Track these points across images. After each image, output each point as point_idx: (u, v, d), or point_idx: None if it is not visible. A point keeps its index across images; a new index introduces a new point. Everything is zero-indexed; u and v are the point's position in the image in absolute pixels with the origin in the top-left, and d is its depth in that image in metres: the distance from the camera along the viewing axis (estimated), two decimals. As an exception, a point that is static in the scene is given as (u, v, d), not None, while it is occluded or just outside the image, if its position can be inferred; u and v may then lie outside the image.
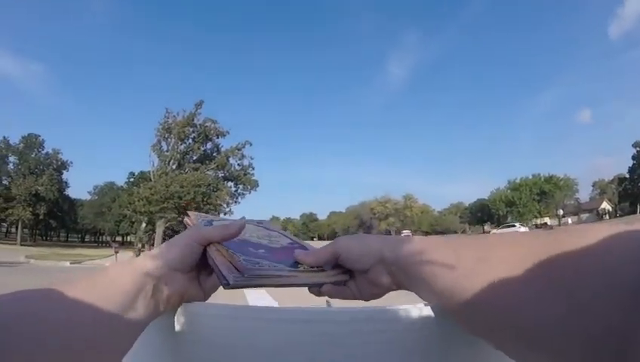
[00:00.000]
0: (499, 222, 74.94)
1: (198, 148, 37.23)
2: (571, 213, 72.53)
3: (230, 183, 38.80)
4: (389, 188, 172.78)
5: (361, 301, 0.55)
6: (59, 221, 62.71)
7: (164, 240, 37.62)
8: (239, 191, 39.24)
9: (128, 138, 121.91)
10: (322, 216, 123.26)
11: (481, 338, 0.42)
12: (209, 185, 34.51)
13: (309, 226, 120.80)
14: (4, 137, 52.88)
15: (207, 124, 37.53)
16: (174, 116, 36.72)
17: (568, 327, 0.32)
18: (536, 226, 68.37)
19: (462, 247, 0.45)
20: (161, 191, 31.61)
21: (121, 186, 62.05)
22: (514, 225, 57.30)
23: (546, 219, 70.08)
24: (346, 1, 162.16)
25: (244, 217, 0.66)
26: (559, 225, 64.71)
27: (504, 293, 0.37)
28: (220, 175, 38.09)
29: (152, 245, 34.59)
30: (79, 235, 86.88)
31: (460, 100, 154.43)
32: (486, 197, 79.47)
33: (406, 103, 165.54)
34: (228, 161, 37.98)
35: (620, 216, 66.46)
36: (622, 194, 70.32)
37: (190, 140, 37.34)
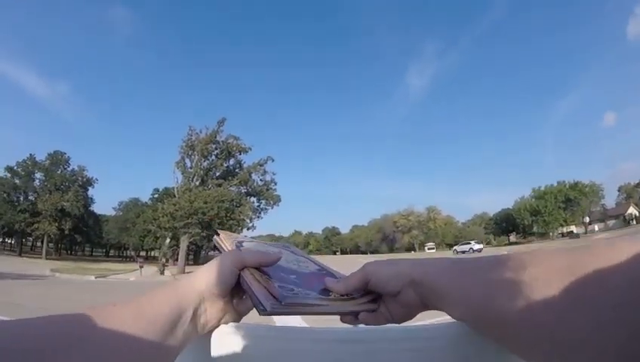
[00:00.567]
0: (524, 231, 73.49)
1: (221, 165, 37.42)
2: (598, 220, 70.71)
3: (253, 198, 38.78)
4: (411, 200, 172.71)
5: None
6: (84, 236, 63.31)
7: (187, 255, 38.21)
8: (262, 206, 39.22)
9: (153, 155, 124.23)
10: (345, 229, 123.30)
11: (514, 354, 0.43)
12: (232, 200, 34.49)
13: (331, 240, 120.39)
14: (31, 154, 54.00)
15: (229, 141, 37.66)
16: (197, 133, 36.98)
17: (599, 342, 0.33)
18: (562, 235, 66.96)
19: (488, 267, 0.46)
20: (185, 207, 31.66)
21: (146, 202, 62.70)
22: (469, 243, 59.06)
23: (572, 227, 68.49)
24: (363, 17, 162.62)
25: (273, 242, 0.68)
26: (586, 232, 63.22)
27: (534, 310, 0.38)
28: (243, 190, 38.14)
29: (176, 260, 34.77)
30: (104, 250, 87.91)
31: (481, 110, 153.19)
32: (510, 207, 77.72)
33: (427, 115, 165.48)
34: (250, 176, 38.06)
35: (649, 221, 64.39)
36: (649, 198, 68.07)
37: (213, 157, 37.52)
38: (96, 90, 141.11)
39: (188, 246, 34.78)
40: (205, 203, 31.84)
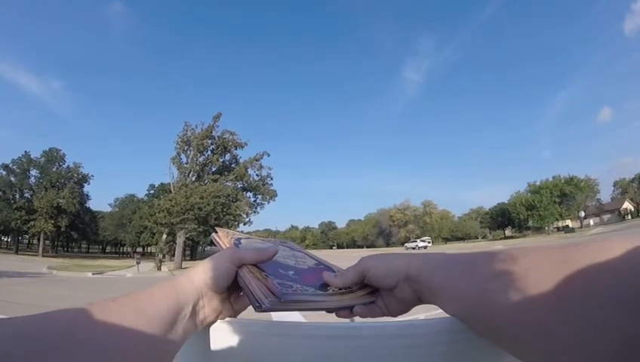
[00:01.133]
0: (520, 226, 73.77)
1: (217, 160, 37.26)
2: (593, 215, 71.30)
3: (249, 194, 38.79)
4: (408, 195, 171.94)
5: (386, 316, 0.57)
6: (80, 233, 63.25)
7: (184, 250, 38.26)
8: (258, 201, 39.19)
9: (148, 151, 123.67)
10: (341, 224, 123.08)
11: (504, 350, 0.43)
12: (228, 195, 34.56)
13: (327, 235, 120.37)
14: (26, 152, 53.76)
15: (225, 136, 37.56)
16: (193, 129, 36.89)
17: (586, 340, 0.33)
18: (558, 229, 67.31)
19: (480, 263, 0.46)
20: (181, 202, 31.69)
21: (142, 198, 62.62)
22: (415, 241, 70.85)
23: (568, 222, 68.83)
24: (361, 12, 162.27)
25: (270, 239, 0.68)
26: (581, 227, 63.69)
27: (523, 308, 0.38)
28: (239, 186, 38.05)
29: (173, 256, 34.80)
30: (100, 246, 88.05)
31: (478, 105, 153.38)
32: (506, 201, 77.95)
33: (424, 110, 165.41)
34: (246, 171, 37.93)
35: (643, 215, 64.81)
36: (644, 193, 68.40)
37: (209, 152, 37.45)
38: (91, 87, 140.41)
39: (184, 242, 34.87)
40: (201, 198, 31.86)
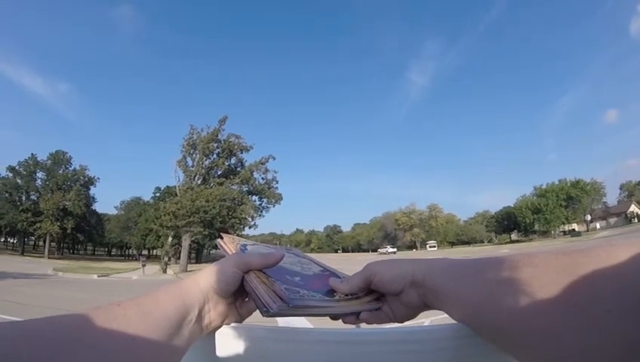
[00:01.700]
0: (526, 229, 73.31)
1: (223, 163, 37.29)
2: (599, 218, 70.68)
3: (254, 197, 38.71)
4: (413, 198, 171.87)
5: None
6: (86, 235, 63.38)
7: (190, 253, 38.22)
8: (263, 204, 39.19)
9: (154, 154, 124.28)
10: (346, 227, 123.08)
11: (511, 356, 0.43)
12: (234, 199, 34.57)
13: (332, 238, 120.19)
14: (33, 154, 54.04)
15: (231, 140, 37.63)
16: (199, 132, 36.95)
17: (591, 346, 0.33)
18: (564, 233, 66.87)
19: (486, 269, 0.46)
20: (186, 205, 31.70)
21: (148, 201, 62.87)
22: (386, 247, 79.19)
23: (574, 225, 68.40)
24: (366, 15, 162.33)
25: (277, 246, 0.68)
26: (587, 230, 63.12)
27: (528, 314, 0.38)
28: (245, 189, 38.05)
29: (179, 259, 34.85)
30: (106, 249, 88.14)
31: (483, 108, 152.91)
32: (512, 205, 77.55)
33: (429, 113, 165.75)
34: (252, 175, 37.97)
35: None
36: (651, 196, 67.91)
37: (215, 155, 37.49)
38: (98, 89, 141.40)
39: (190, 245, 34.82)
40: (207, 201, 31.87)
